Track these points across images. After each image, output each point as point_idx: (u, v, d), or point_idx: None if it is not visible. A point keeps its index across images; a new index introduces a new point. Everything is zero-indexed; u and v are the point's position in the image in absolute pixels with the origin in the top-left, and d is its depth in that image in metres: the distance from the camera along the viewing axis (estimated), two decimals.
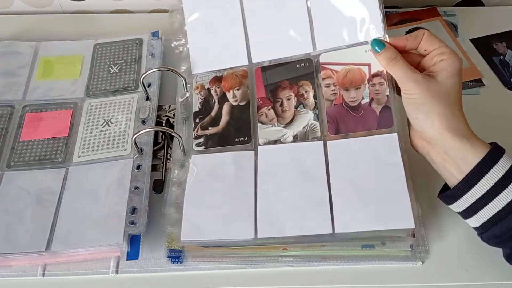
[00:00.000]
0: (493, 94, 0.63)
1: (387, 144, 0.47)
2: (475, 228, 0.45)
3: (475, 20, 0.71)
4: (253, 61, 0.56)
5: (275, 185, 0.49)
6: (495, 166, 0.42)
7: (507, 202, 0.41)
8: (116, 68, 0.63)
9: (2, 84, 0.61)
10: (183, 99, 0.57)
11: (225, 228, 0.47)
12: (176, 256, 0.48)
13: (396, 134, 0.47)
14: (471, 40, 0.68)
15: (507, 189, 0.41)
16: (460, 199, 0.44)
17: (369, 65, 0.50)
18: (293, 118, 0.52)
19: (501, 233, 0.42)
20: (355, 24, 0.51)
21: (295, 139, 0.51)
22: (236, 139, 0.52)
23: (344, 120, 0.50)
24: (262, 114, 0.53)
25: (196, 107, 0.56)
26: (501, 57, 0.66)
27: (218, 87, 0.56)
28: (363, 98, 0.50)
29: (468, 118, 0.60)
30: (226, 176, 0.50)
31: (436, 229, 0.51)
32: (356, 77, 0.50)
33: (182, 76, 0.57)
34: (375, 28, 0.50)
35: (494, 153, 0.42)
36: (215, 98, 0.55)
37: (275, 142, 0.51)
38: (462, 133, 0.44)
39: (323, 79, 0.52)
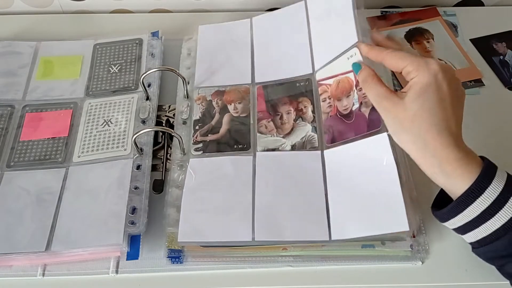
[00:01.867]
0: (493, 94, 0.63)
1: (378, 146, 0.46)
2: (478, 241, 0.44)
3: (475, 20, 0.71)
4: (256, 81, 0.58)
5: (273, 190, 0.49)
6: (485, 192, 0.40)
7: (494, 228, 0.40)
8: (116, 68, 0.63)
9: (2, 84, 0.61)
10: (184, 107, 0.57)
11: (223, 230, 0.47)
12: (176, 256, 0.48)
13: (385, 133, 0.45)
14: (471, 40, 0.68)
15: (497, 214, 0.40)
16: (448, 221, 0.43)
17: (353, 71, 0.50)
18: (292, 129, 0.53)
19: (491, 254, 0.43)
20: (340, 36, 0.53)
21: (293, 148, 0.52)
22: (235, 146, 0.53)
23: (339, 129, 0.51)
24: (262, 126, 0.54)
25: (196, 115, 0.56)
26: (501, 57, 0.66)
27: (220, 100, 0.57)
28: (353, 105, 0.50)
29: (468, 118, 0.60)
30: (224, 179, 0.51)
31: (436, 229, 0.51)
32: (346, 86, 0.52)
33: (182, 76, 0.57)
34: (351, 35, 0.50)
35: (481, 183, 0.40)
36: (216, 109, 0.57)
37: (273, 150, 0.52)
38: (442, 162, 0.41)
39: (320, 94, 0.54)
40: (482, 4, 0.75)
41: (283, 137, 0.53)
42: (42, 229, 0.49)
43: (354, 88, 0.51)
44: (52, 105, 0.60)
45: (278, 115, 0.55)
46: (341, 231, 0.45)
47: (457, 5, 0.75)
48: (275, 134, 0.53)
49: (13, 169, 0.54)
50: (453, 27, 0.70)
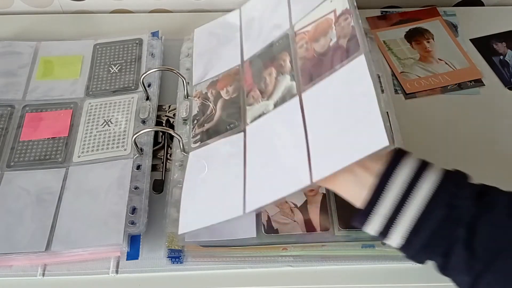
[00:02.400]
0: (493, 94, 0.63)
1: (355, 70, 0.42)
2: (401, 249, 0.39)
3: (475, 20, 0.71)
4: (244, 59, 0.57)
5: (261, 159, 0.47)
6: (399, 167, 0.38)
7: (421, 207, 0.37)
8: (116, 68, 0.63)
9: (2, 84, 0.61)
10: (184, 107, 0.57)
11: (220, 212, 0.46)
12: (176, 256, 0.48)
13: (362, 55, 0.42)
14: (471, 40, 0.68)
15: (418, 191, 0.37)
16: (375, 213, 0.38)
17: (334, 10, 0.48)
18: (274, 88, 0.51)
19: (428, 240, 0.37)
20: None
21: (276, 106, 0.49)
22: (227, 127, 0.52)
23: (316, 68, 0.47)
24: (250, 98, 0.53)
25: (194, 111, 0.56)
26: (501, 57, 0.66)
27: (214, 90, 0.57)
28: (331, 40, 0.47)
29: (468, 118, 0.61)
30: (219, 162, 0.49)
31: None
32: (324, 25, 0.48)
33: (182, 76, 0.57)
34: None
35: (399, 151, 0.39)
36: (211, 98, 0.56)
37: (259, 116, 0.50)
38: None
39: (297, 42, 0.51)
40: (482, 4, 0.75)
41: (266, 100, 0.51)
42: (42, 229, 0.49)
43: (333, 25, 0.47)
44: (52, 105, 0.60)
45: (262, 80, 0.53)
46: (322, 170, 0.40)
47: (457, 5, 0.75)
48: (260, 100, 0.51)
49: (13, 169, 0.54)
50: (453, 27, 0.70)
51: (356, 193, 0.40)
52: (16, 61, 0.64)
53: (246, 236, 0.47)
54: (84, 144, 0.56)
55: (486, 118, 0.60)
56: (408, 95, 0.63)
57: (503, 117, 0.61)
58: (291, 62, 0.51)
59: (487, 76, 0.64)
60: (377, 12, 0.72)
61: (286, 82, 0.49)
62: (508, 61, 0.66)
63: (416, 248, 0.38)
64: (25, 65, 0.63)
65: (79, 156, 0.55)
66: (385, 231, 0.38)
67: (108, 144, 0.55)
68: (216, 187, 0.48)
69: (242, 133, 0.50)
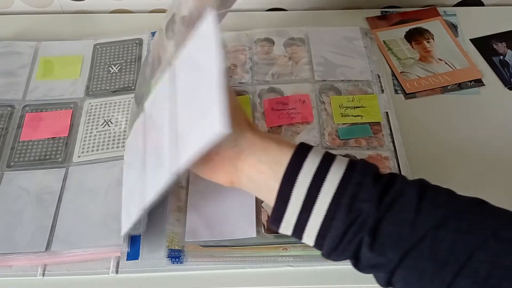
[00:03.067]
0: (493, 94, 0.63)
1: (201, 38, 0.35)
2: (314, 247, 0.39)
3: (475, 20, 0.71)
4: None
5: (153, 147, 0.42)
6: (304, 164, 0.37)
7: (324, 213, 0.36)
8: (116, 68, 0.63)
9: (2, 84, 0.61)
10: None
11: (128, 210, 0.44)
12: (176, 256, 0.48)
13: (212, 12, 0.34)
14: (471, 40, 0.68)
15: (319, 196, 0.36)
16: (283, 220, 0.38)
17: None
18: (166, 56, 0.44)
19: (335, 245, 0.37)
20: None
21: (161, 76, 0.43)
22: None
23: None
24: (155, 69, 0.46)
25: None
26: (501, 57, 0.66)
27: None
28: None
29: (468, 118, 0.61)
30: (135, 150, 0.46)
31: None
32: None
33: None
34: None
35: (300, 151, 0.38)
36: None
37: (152, 92, 0.44)
38: (266, 135, 0.40)
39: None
40: (482, 4, 0.75)
41: (159, 70, 0.44)
42: (42, 229, 0.49)
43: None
44: (52, 105, 0.60)
45: (163, 47, 0.45)
46: (175, 164, 0.35)
47: (457, 5, 0.75)
48: (158, 70, 0.45)
49: (13, 169, 0.54)
50: (453, 27, 0.70)
51: (266, 196, 0.40)
52: (16, 61, 0.64)
53: (246, 236, 0.47)
54: (84, 144, 0.56)
55: (486, 118, 0.60)
56: (408, 95, 0.63)
57: (503, 117, 0.61)
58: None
59: (487, 76, 0.64)
60: (377, 12, 0.72)
61: (171, 48, 0.42)
62: (508, 61, 0.66)
63: (326, 250, 0.38)
64: (25, 65, 0.63)
65: (79, 156, 0.55)
66: (296, 234, 0.39)
67: (108, 144, 0.55)
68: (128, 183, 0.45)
69: (142, 114, 0.45)
